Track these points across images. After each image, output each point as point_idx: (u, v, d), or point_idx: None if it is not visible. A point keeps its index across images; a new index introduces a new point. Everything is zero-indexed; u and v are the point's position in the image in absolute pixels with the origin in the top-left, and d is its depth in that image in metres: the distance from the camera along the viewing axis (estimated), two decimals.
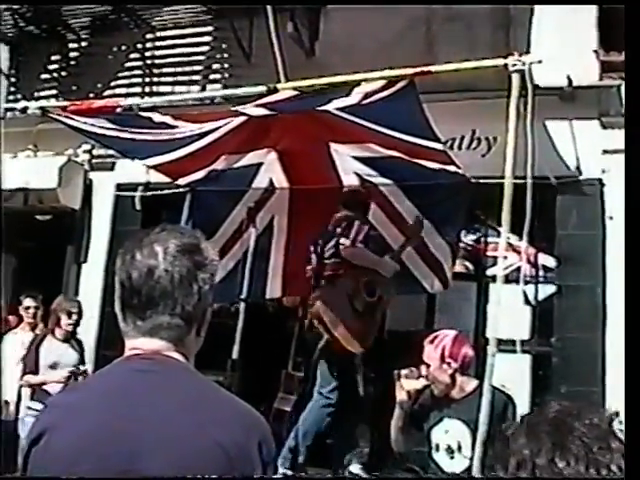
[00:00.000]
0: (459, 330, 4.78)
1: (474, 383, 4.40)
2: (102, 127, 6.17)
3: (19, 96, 9.63)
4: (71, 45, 9.51)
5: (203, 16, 8.55)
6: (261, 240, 7.24)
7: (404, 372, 4.64)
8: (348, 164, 7.07)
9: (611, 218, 6.49)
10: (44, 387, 6.76)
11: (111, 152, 8.07)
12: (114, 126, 6.16)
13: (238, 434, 1.89)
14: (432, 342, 4.41)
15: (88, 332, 7.72)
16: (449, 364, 4.32)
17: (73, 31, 9.30)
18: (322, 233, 6.43)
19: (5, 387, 7.15)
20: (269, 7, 7.35)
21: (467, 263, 8.21)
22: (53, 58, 9.61)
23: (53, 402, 2.12)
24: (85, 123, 6.20)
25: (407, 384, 4.56)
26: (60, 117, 6.23)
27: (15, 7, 8.71)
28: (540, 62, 4.80)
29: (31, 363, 6.96)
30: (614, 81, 6.61)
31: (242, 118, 6.13)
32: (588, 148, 6.73)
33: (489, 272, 7.21)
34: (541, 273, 6.98)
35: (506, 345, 5.64)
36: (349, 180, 7.24)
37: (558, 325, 6.75)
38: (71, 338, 7.13)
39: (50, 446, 1.89)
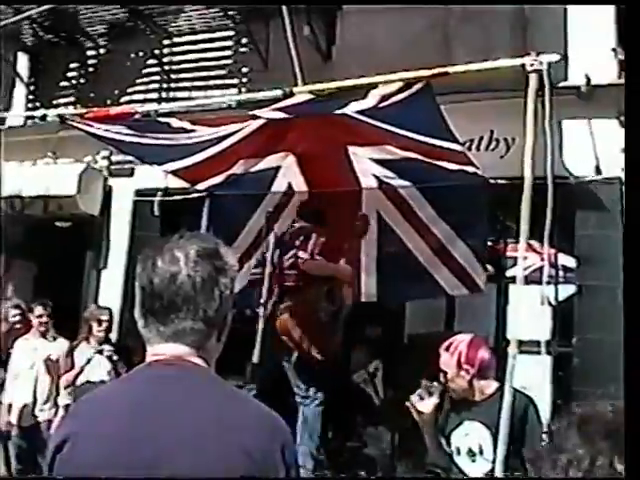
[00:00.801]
0: (475, 333, 4.75)
1: (494, 385, 4.36)
2: (120, 133, 6.19)
3: (38, 104, 9.72)
4: (89, 52, 9.58)
5: (220, 21, 8.58)
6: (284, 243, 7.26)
7: (414, 398, 4.60)
8: (366, 166, 7.07)
9: None
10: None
11: (130, 158, 8.09)
12: (132, 132, 6.18)
13: (261, 438, 1.89)
14: (447, 349, 4.37)
15: None
16: (467, 370, 4.28)
17: (91, 38, 9.36)
18: (277, 242, 6.48)
19: (21, 391, 7.25)
20: (285, 11, 7.36)
21: (487, 265, 8.18)
22: (71, 66, 9.69)
23: (75, 409, 2.12)
24: (104, 130, 6.22)
25: (421, 406, 4.52)
26: (79, 124, 6.26)
27: (34, 16, 8.76)
28: (558, 62, 4.77)
29: (68, 368, 7.27)
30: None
31: (260, 122, 6.14)
32: (607, 147, 6.68)
33: (509, 273, 7.18)
34: (561, 273, 6.94)
35: (527, 346, 5.60)
36: (367, 182, 7.24)
37: (579, 326, 6.72)
38: (104, 344, 7.31)
39: (74, 453, 1.90)
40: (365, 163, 7.04)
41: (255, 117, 5.96)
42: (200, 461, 1.83)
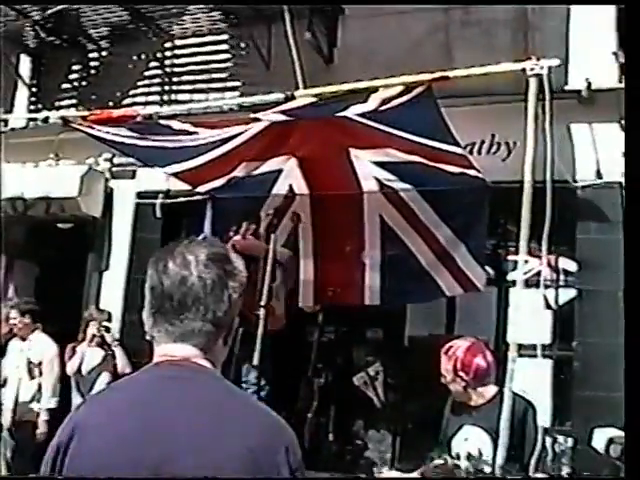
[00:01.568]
0: (476, 336, 4.76)
1: (493, 390, 4.37)
2: (122, 136, 6.21)
3: (40, 106, 9.73)
4: (91, 55, 9.58)
5: (221, 24, 8.59)
6: (286, 246, 7.29)
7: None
8: (368, 169, 7.07)
9: None
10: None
11: (132, 160, 8.11)
12: (134, 134, 6.20)
13: (266, 440, 1.91)
14: (446, 353, 4.39)
15: None
16: (461, 377, 4.29)
17: (93, 41, 9.37)
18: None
19: (9, 392, 7.30)
20: (287, 14, 7.38)
21: (487, 268, 8.19)
22: (74, 68, 9.69)
23: (80, 408, 2.13)
24: (106, 132, 6.24)
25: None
26: (81, 126, 6.28)
27: (36, 18, 8.78)
28: (558, 66, 4.78)
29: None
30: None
31: (262, 125, 6.15)
32: (608, 151, 6.69)
33: (509, 276, 7.19)
34: (562, 277, 6.95)
35: (527, 350, 5.61)
36: (369, 185, 7.25)
37: (579, 329, 6.71)
38: (103, 345, 7.43)
39: (78, 451, 1.91)
40: (367, 166, 7.05)
41: (257, 120, 5.98)
42: (204, 461, 1.84)
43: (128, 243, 8.72)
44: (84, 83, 9.64)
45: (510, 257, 7.38)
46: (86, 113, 6.79)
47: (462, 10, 7.37)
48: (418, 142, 6.06)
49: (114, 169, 8.87)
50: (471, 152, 6.96)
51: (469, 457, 4.32)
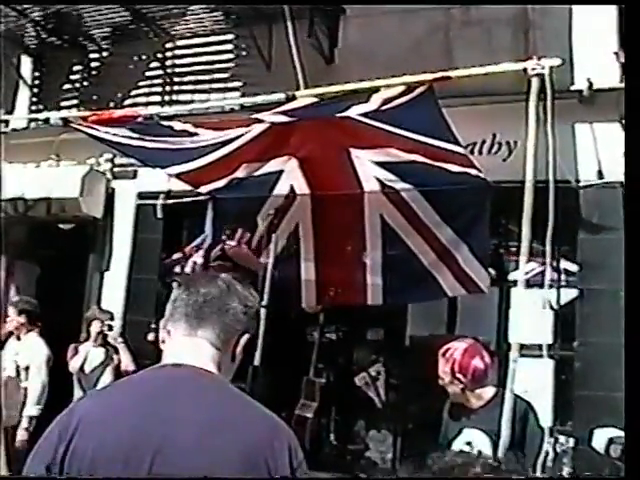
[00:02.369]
0: (477, 337, 4.75)
1: (492, 391, 4.36)
2: (123, 136, 6.21)
3: (41, 106, 9.74)
4: (92, 55, 9.58)
5: (222, 24, 8.59)
6: (287, 247, 7.29)
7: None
8: (369, 169, 7.07)
9: None
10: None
11: (133, 161, 8.11)
12: (135, 135, 6.19)
13: (266, 440, 1.95)
14: (444, 355, 4.37)
15: None
16: (459, 379, 4.28)
17: (94, 41, 9.37)
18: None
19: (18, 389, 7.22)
20: (288, 14, 7.38)
21: (490, 268, 8.19)
22: (74, 68, 9.70)
23: (83, 402, 2.16)
24: (107, 133, 6.24)
25: None
26: (82, 127, 6.28)
27: (37, 18, 8.79)
28: (559, 66, 4.78)
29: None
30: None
31: (263, 126, 6.15)
32: (609, 151, 6.68)
33: (511, 277, 7.19)
34: (563, 277, 6.95)
35: (529, 350, 5.60)
36: (370, 186, 7.24)
37: (580, 330, 6.71)
38: (106, 344, 7.44)
39: (80, 445, 1.93)
40: (368, 166, 7.04)
41: (258, 120, 5.97)
42: (203, 460, 1.88)
43: (129, 243, 8.73)
44: (85, 83, 9.64)
45: (511, 257, 7.37)
46: (87, 113, 6.79)
47: (463, 9, 7.36)
48: (419, 141, 6.06)
49: (115, 169, 8.87)
50: (472, 152, 6.95)
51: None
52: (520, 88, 4.82)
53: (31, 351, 7.34)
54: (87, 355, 7.34)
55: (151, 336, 6.95)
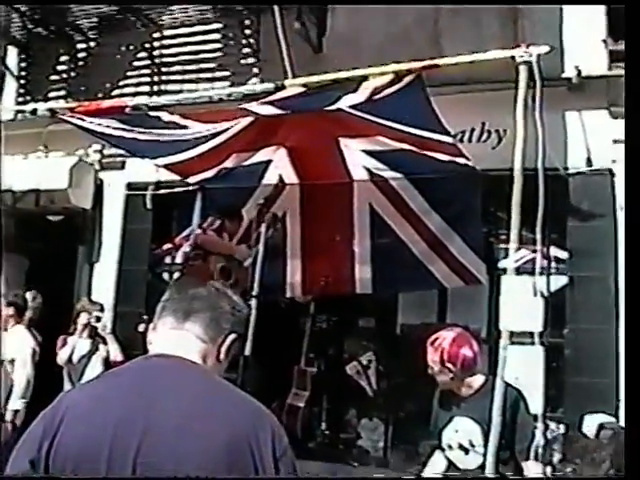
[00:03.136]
0: (467, 324, 4.76)
1: (481, 379, 4.36)
2: (111, 127, 6.18)
3: (29, 97, 9.68)
4: (79, 46, 9.52)
5: (210, 14, 8.55)
6: (274, 236, 7.28)
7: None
8: (358, 158, 7.08)
9: (622, 208, 6.47)
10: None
11: (121, 152, 8.07)
12: (123, 126, 6.16)
13: (249, 426, 1.96)
14: (433, 344, 4.37)
15: None
16: (449, 368, 4.28)
17: (81, 32, 9.32)
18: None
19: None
20: (276, 4, 7.35)
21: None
22: (62, 59, 9.64)
23: (71, 394, 2.17)
24: (94, 123, 6.21)
25: None
26: (69, 118, 6.24)
27: (23, 9, 8.73)
28: (547, 53, 4.78)
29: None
30: (623, 70, 6.58)
31: (251, 117, 6.14)
32: (598, 138, 6.71)
33: (501, 264, 7.21)
34: (553, 265, 6.96)
35: (519, 337, 5.63)
36: (359, 174, 7.25)
37: (571, 316, 6.75)
38: (95, 336, 7.40)
39: (66, 438, 1.94)
40: (356, 155, 7.05)
41: (246, 111, 5.94)
42: (187, 449, 1.89)
43: (119, 234, 8.71)
44: (72, 74, 9.58)
45: (502, 245, 7.39)
46: (75, 104, 6.75)
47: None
48: (407, 132, 6.06)
49: (104, 160, 8.83)
50: (462, 140, 6.96)
51: (460, 447, 4.33)
52: (509, 76, 4.81)
53: (17, 344, 7.24)
54: (75, 347, 7.32)
55: (141, 327, 6.93)
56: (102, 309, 7.57)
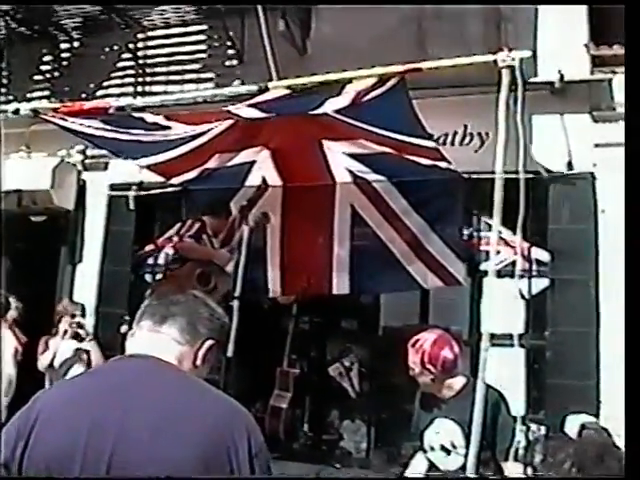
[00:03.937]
0: (448, 327, 4.78)
1: (462, 381, 4.39)
2: (94, 127, 6.15)
3: (11, 97, 9.62)
4: (62, 46, 9.49)
5: (194, 15, 8.54)
6: (255, 238, 7.29)
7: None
8: (340, 161, 7.09)
9: (603, 211, 6.53)
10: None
11: (104, 152, 8.05)
12: (106, 127, 6.14)
13: (223, 422, 1.99)
14: (413, 346, 4.39)
15: None
16: (429, 370, 4.30)
17: (64, 32, 9.28)
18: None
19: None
20: (260, 6, 7.35)
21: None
22: (45, 59, 9.59)
23: (44, 396, 2.16)
24: (78, 124, 6.18)
25: None
26: (52, 118, 6.21)
27: (6, 8, 8.68)
28: (530, 57, 4.81)
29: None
30: (605, 75, 6.64)
31: (234, 119, 6.14)
32: (579, 142, 6.76)
33: (482, 267, 7.25)
34: (534, 267, 7.01)
35: (500, 339, 5.66)
36: (341, 177, 7.27)
37: (552, 319, 6.78)
38: (76, 338, 7.30)
39: (39, 441, 1.95)
40: (339, 157, 7.06)
41: (230, 113, 5.94)
42: (159, 448, 1.90)
43: (101, 235, 8.67)
44: (56, 74, 9.54)
45: (483, 247, 7.42)
46: (58, 105, 6.72)
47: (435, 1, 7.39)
48: (390, 136, 6.08)
49: (87, 161, 8.80)
50: (444, 143, 6.99)
51: (442, 449, 4.35)
52: (491, 80, 4.84)
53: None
54: (57, 351, 7.27)
55: (124, 328, 6.92)
56: (83, 310, 7.53)
